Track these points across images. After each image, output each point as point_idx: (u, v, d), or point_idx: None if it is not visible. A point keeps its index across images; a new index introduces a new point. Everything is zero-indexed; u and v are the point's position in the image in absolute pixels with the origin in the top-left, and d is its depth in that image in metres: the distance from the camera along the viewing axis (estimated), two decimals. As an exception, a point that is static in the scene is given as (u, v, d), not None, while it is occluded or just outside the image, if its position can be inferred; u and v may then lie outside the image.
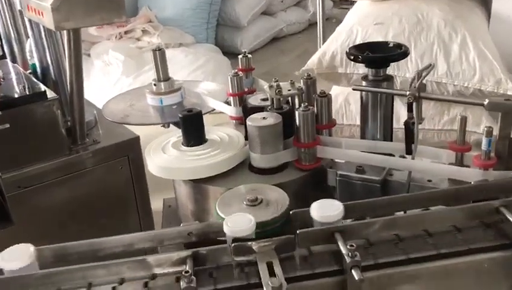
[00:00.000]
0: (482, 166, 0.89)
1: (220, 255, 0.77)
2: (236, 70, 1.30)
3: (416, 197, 0.83)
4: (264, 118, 1.04)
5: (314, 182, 1.07)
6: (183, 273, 0.69)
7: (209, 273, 0.75)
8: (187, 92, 1.46)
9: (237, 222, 0.75)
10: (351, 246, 0.71)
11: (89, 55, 3.94)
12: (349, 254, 0.70)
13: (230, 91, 1.28)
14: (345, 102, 2.36)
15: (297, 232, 0.77)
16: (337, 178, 1.05)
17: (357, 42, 2.29)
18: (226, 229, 0.75)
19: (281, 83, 1.10)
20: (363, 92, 1.07)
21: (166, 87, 1.43)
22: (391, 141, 1.10)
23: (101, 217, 1.69)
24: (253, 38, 4.55)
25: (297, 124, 1.02)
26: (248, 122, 1.04)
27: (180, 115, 1.09)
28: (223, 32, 4.55)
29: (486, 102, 0.88)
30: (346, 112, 2.37)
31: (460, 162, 0.95)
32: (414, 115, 0.97)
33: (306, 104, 1.01)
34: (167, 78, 1.44)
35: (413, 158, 0.98)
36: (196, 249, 0.76)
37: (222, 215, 0.85)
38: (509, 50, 2.31)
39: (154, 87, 1.43)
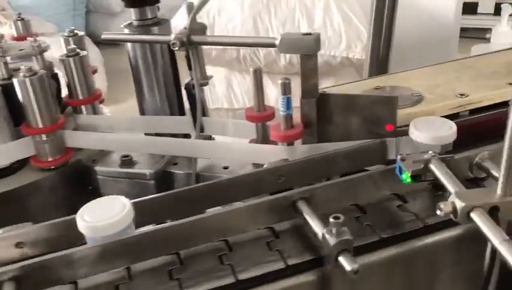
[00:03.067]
0: (282, 139, 0.58)
1: None
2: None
3: (171, 197, 0.50)
4: (-32, 92, 0.66)
5: (69, 187, 0.71)
6: None
7: None
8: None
9: None
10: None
11: None
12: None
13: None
14: (210, 84, 2.03)
15: None
16: (98, 177, 0.69)
17: (212, 12, 1.97)
18: None
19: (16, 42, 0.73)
20: (130, 50, 0.72)
21: None
22: (182, 114, 0.76)
23: None
24: (130, 26, 4.09)
25: (21, 99, 0.65)
26: None
27: None
28: (95, 20, 4.05)
29: (277, 40, 0.56)
30: (210, 95, 2.05)
31: (263, 137, 0.63)
32: (193, 72, 0.64)
33: (30, 66, 0.64)
34: None
35: (197, 137, 0.65)
36: None
37: None
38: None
39: None
